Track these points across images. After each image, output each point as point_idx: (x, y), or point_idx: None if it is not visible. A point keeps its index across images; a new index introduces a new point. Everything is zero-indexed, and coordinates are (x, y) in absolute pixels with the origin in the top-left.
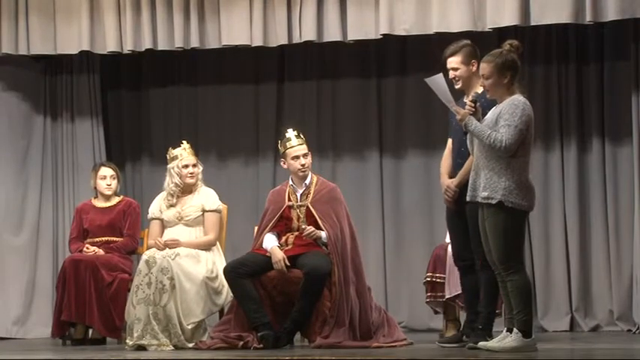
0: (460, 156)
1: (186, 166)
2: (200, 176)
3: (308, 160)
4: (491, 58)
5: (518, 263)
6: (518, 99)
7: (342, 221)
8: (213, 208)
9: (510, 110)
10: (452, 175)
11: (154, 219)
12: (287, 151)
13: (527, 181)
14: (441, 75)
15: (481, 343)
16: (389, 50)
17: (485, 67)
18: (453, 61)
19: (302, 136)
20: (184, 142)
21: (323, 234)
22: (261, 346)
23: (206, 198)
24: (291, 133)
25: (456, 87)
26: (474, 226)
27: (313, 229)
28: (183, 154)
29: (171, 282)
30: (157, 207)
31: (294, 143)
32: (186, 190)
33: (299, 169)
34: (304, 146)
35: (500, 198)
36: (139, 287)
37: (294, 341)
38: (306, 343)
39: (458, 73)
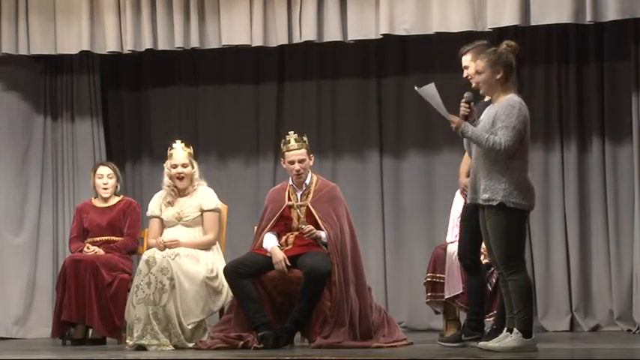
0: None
1: (175, 166)
2: (196, 176)
3: (303, 165)
4: (484, 54)
5: (519, 263)
6: (513, 99)
7: (342, 221)
8: (212, 207)
9: (507, 111)
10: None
11: (153, 217)
12: (285, 153)
13: (526, 181)
14: (432, 85)
15: (481, 343)
16: (389, 50)
17: (478, 63)
18: (466, 60)
19: (304, 140)
20: (177, 141)
21: (323, 234)
22: (261, 346)
23: (204, 198)
24: (291, 136)
25: (473, 86)
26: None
27: (313, 228)
28: (173, 153)
29: (171, 282)
30: (157, 205)
31: (292, 147)
32: (182, 191)
33: (294, 175)
34: (302, 151)
35: (501, 199)
36: (139, 287)
37: (294, 341)
38: (306, 343)
39: (469, 71)
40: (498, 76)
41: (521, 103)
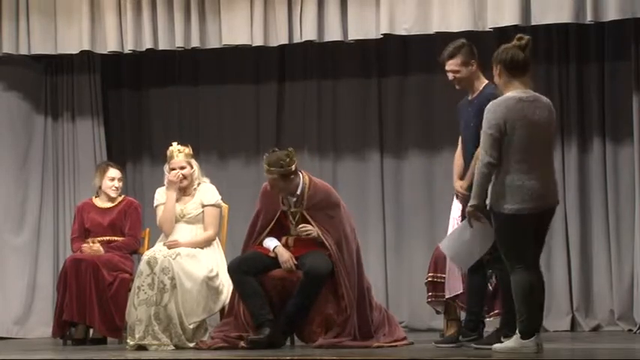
0: (470, 154)
1: (174, 169)
2: (196, 174)
3: (280, 188)
4: None
5: (517, 265)
6: (493, 101)
7: (343, 224)
8: (212, 202)
9: (484, 115)
10: (463, 176)
11: (160, 205)
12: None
13: (519, 184)
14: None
15: (493, 345)
16: (389, 50)
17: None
18: (453, 64)
19: (282, 164)
20: (174, 143)
21: (315, 232)
22: (248, 346)
23: (204, 193)
24: (266, 158)
25: (457, 87)
26: None
27: (308, 227)
28: (171, 157)
29: (171, 282)
30: (162, 196)
31: (267, 170)
32: (184, 190)
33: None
34: (274, 177)
35: (489, 203)
36: (141, 289)
37: (294, 341)
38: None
39: (458, 75)
40: (497, 72)
41: (494, 103)
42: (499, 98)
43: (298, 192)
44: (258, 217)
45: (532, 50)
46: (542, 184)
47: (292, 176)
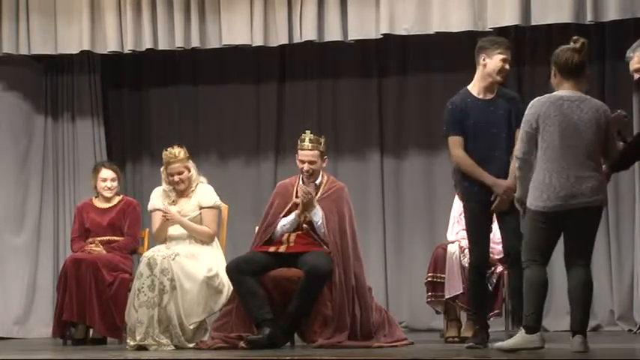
0: (492, 151)
1: (172, 175)
2: (194, 176)
3: (313, 167)
4: None
5: (527, 260)
6: (535, 98)
7: (343, 221)
8: (210, 204)
9: None
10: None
11: (155, 210)
12: (298, 150)
13: (543, 180)
14: None
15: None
16: (390, 50)
17: None
18: (510, 55)
19: (320, 141)
20: (169, 149)
21: (319, 213)
22: (247, 346)
23: (202, 195)
24: (307, 135)
25: (500, 81)
26: None
27: (311, 192)
28: (168, 162)
29: (171, 283)
30: (158, 199)
31: (304, 147)
32: (182, 192)
33: (303, 173)
34: (314, 152)
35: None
36: (141, 290)
37: (294, 341)
38: (307, 343)
39: (508, 66)
40: (552, 74)
41: (535, 100)
42: (539, 97)
43: (317, 182)
44: (268, 214)
45: (532, 51)
46: (571, 183)
47: (325, 157)
